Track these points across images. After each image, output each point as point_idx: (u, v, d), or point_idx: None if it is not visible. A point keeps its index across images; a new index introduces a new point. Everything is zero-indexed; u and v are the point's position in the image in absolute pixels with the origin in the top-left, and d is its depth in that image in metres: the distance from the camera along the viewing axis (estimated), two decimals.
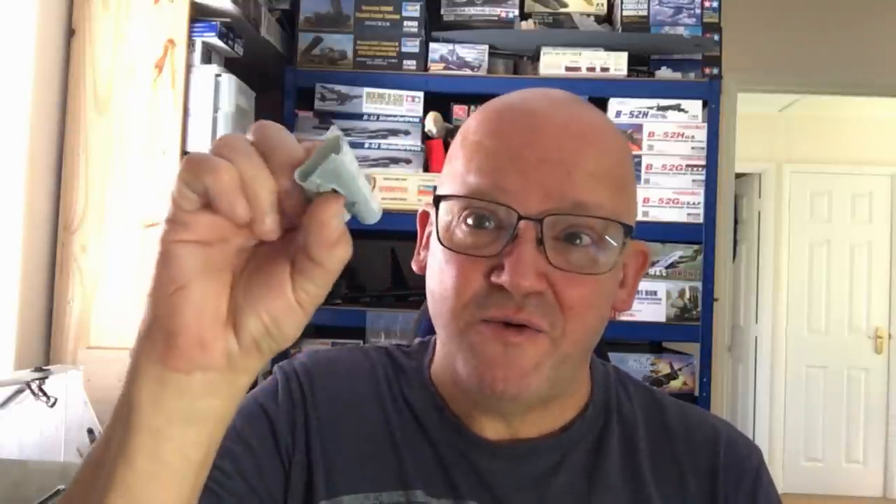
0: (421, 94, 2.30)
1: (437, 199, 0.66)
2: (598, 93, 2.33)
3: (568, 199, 0.63)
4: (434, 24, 2.44)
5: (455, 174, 0.66)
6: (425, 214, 0.75)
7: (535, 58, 2.39)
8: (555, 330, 0.64)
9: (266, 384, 0.76)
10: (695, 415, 0.77)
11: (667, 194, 2.29)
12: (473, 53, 2.36)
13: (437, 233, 0.66)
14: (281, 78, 2.34)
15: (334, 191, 0.42)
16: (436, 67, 2.36)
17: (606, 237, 0.65)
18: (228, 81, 1.96)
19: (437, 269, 0.67)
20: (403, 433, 0.72)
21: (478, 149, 0.66)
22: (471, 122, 0.69)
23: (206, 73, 1.92)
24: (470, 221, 0.64)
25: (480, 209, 0.64)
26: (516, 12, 2.41)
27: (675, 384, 2.33)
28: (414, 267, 0.75)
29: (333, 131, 0.44)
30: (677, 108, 2.32)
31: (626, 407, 0.75)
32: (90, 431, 1.57)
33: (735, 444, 0.74)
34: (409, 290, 2.48)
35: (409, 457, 0.71)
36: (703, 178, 2.29)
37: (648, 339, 2.49)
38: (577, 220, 0.63)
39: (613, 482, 0.71)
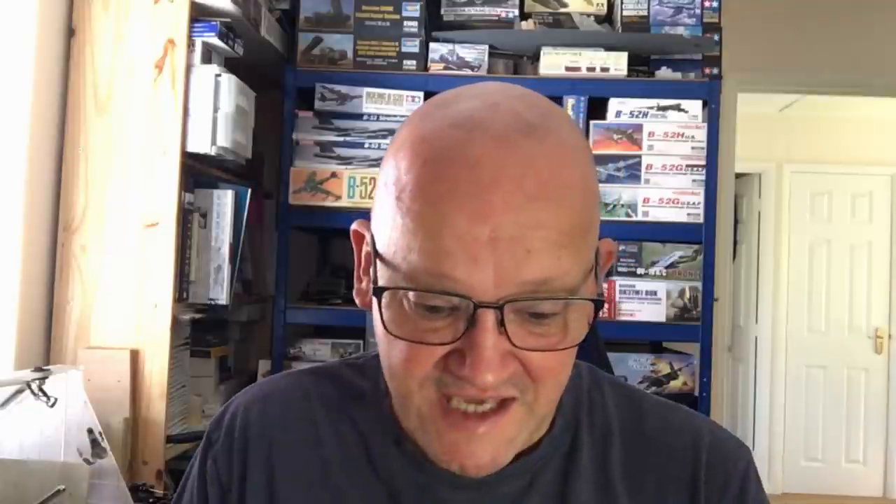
0: (421, 94, 2.30)
1: (379, 291, 0.57)
2: (598, 93, 2.33)
3: (528, 279, 0.54)
4: (434, 24, 2.44)
5: (394, 243, 0.57)
6: (358, 234, 0.65)
7: (535, 58, 2.39)
8: (526, 395, 0.58)
9: (191, 486, 0.73)
10: (676, 418, 0.71)
11: (667, 194, 2.29)
12: (473, 53, 2.36)
13: (381, 316, 0.58)
14: (281, 78, 2.34)
15: None
16: (436, 67, 2.36)
17: (578, 306, 0.58)
18: (228, 81, 1.96)
19: (384, 340, 0.59)
20: (349, 479, 0.68)
21: (417, 221, 0.55)
22: (402, 170, 0.57)
23: (206, 73, 1.92)
24: (418, 307, 0.57)
25: (430, 298, 0.56)
26: (516, 12, 2.41)
27: (675, 384, 2.33)
28: (357, 300, 0.66)
29: None
30: (677, 108, 2.32)
31: (598, 414, 0.70)
32: (90, 431, 1.57)
33: (721, 446, 0.69)
34: None
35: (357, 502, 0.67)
36: (703, 178, 2.29)
37: (648, 339, 2.50)
38: (538, 303, 0.56)
39: (585, 497, 0.66)
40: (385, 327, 0.58)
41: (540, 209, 0.54)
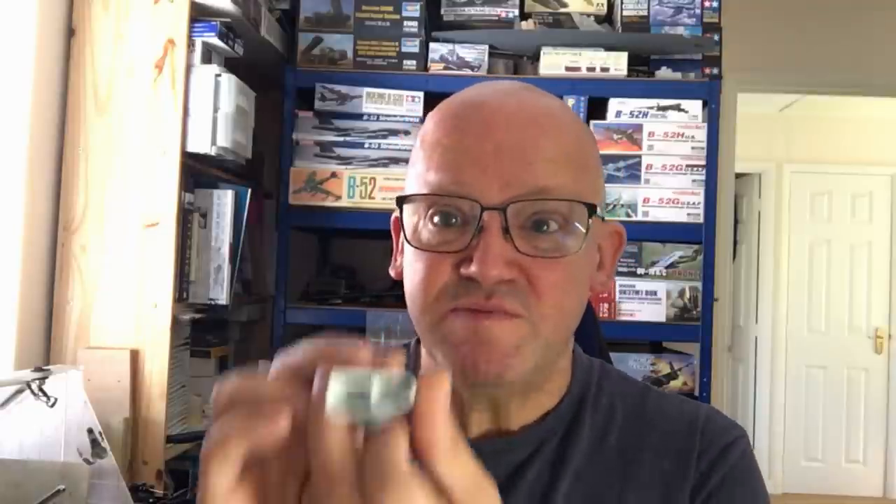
0: (421, 94, 2.30)
1: (400, 201, 0.67)
2: (598, 93, 2.33)
3: (529, 185, 0.63)
4: (434, 24, 2.44)
5: (416, 175, 0.67)
6: (398, 221, 0.74)
7: (535, 58, 2.39)
8: (531, 314, 0.64)
9: None
10: (676, 401, 0.77)
11: (667, 194, 2.29)
12: (473, 53, 2.36)
13: (405, 234, 0.67)
14: (281, 78, 2.34)
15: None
16: (436, 67, 2.36)
17: (573, 220, 0.65)
18: (228, 81, 1.96)
19: (410, 269, 0.68)
20: None
21: (435, 147, 0.66)
22: (428, 123, 0.70)
23: (206, 73, 1.92)
24: (436, 219, 0.65)
25: (444, 206, 0.65)
26: (516, 12, 2.41)
27: (675, 384, 2.33)
28: (392, 273, 0.75)
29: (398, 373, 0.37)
30: (677, 108, 2.32)
31: (604, 398, 0.75)
32: (90, 431, 1.57)
33: (713, 422, 0.74)
34: None
35: None
36: (703, 178, 2.29)
37: (648, 339, 2.50)
38: (540, 205, 0.64)
39: (579, 469, 0.71)
40: (408, 241, 0.66)
41: (537, 132, 0.65)
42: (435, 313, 0.65)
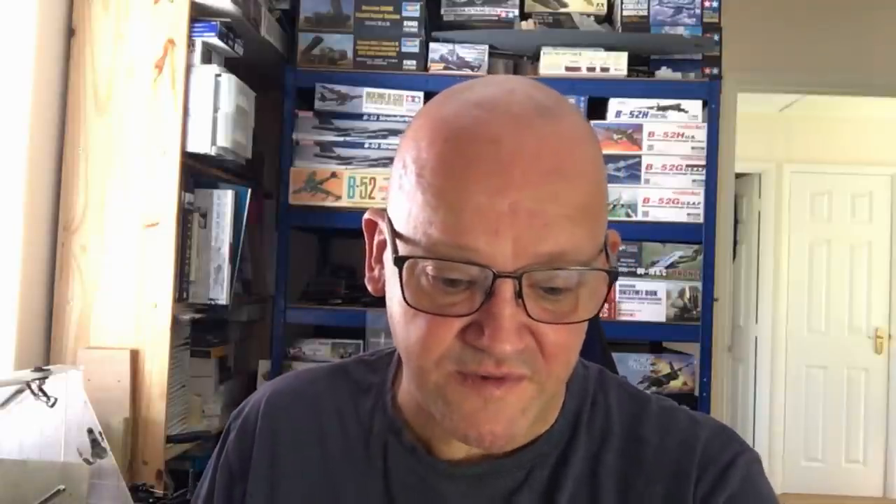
0: (421, 94, 2.31)
1: (400, 261, 0.59)
2: (598, 93, 2.33)
3: (545, 251, 0.56)
4: (434, 24, 2.44)
5: (414, 218, 0.58)
6: (371, 223, 0.67)
7: (535, 58, 2.39)
8: (538, 374, 0.60)
9: (209, 472, 0.78)
10: (679, 417, 0.71)
11: (667, 194, 2.29)
12: (473, 53, 2.36)
13: (402, 290, 0.59)
14: (281, 78, 2.34)
15: None
16: (436, 67, 2.36)
17: (588, 283, 0.60)
18: (228, 81, 1.96)
19: (404, 324, 0.61)
20: (347, 471, 0.70)
21: (439, 196, 0.57)
22: (426, 149, 0.59)
23: (206, 73, 1.92)
24: (436, 274, 0.58)
25: (449, 267, 0.57)
26: (516, 12, 2.41)
27: (675, 384, 2.33)
28: (369, 287, 0.68)
29: None
30: (677, 108, 2.32)
31: (600, 415, 0.70)
32: (90, 431, 1.57)
33: (713, 442, 0.68)
34: None
35: (353, 496, 0.69)
36: (703, 178, 2.29)
37: (648, 339, 2.50)
38: (556, 273, 0.58)
39: (572, 494, 0.67)
40: (405, 300, 0.59)
41: (556, 184, 0.57)
42: (436, 375, 0.60)
